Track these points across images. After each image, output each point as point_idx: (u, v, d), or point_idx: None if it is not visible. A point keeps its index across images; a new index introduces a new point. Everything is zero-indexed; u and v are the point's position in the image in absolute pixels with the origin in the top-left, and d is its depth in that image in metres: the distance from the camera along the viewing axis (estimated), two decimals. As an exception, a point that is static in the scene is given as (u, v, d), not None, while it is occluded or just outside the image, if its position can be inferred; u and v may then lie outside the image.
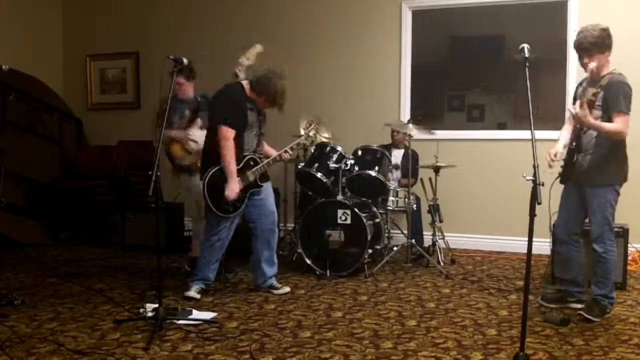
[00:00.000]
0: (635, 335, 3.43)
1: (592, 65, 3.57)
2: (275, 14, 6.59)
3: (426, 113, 6.32)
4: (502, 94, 6.35)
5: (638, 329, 3.55)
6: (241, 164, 4.09)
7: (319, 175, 4.94)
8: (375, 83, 6.27)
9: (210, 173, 4.04)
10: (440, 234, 5.43)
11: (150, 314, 3.58)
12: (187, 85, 4.81)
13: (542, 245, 4.77)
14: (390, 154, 5.44)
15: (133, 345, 3.21)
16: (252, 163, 4.15)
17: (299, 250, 4.99)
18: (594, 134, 3.64)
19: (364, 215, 4.80)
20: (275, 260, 4.39)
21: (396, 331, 3.49)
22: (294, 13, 6.53)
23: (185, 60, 3.78)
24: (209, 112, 4.23)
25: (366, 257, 4.78)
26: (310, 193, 5.24)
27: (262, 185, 4.22)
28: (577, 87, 3.93)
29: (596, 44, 3.57)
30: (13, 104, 6.27)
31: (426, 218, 5.50)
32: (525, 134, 5.25)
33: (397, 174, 5.57)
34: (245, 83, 4.17)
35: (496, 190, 5.89)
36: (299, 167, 5.11)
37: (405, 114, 6.12)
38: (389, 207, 5.17)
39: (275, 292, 4.28)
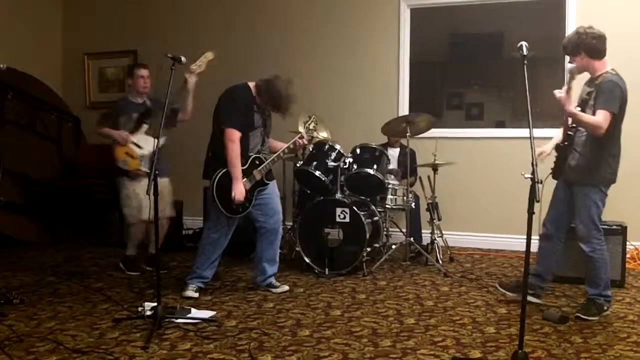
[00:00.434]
0: (633, 332, 3.44)
1: (570, 65, 3.62)
2: (274, 13, 6.58)
3: (425, 111, 6.30)
4: (501, 92, 6.34)
5: (636, 326, 3.55)
6: (247, 164, 4.11)
7: (317, 173, 4.93)
8: (374, 81, 6.27)
9: (220, 174, 4.05)
10: (438, 232, 5.44)
11: (149, 313, 3.58)
12: (148, 80, 4.87)
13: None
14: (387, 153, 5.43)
15: (132, 344, 3.21)
16: (257, 162, 4.17)
17: (297, 249, 5.00)
18: (585, 133, 3.66)
19: (363, 213, 4.80)
20: (277, 259, 4.40)
21: (395, 329, 3.49)
22: (292, 12, 6.53)
23: (183, 59, 3.78)
24: (215, 112, 4.22)
25: (365, 255, 4.78)
26: (308, 191, 5.24)
27: (268, 183, 4.23)
28: (583, 86, 3.94)
29: (569, 46, 3.68)
30: (11, 103, 6.26)
31: (425, 216, 5.51)
32: (523, 132, 5.24)
33: (394, 179, 5.55)
34: (252, 85, 4.18)
35: (495, 188, 5.89)
36: (298, 165, 5.11)
37: (404, 112, 6.11)
38: (387, 206, 5.18)
39: (274, 290, 4.28)
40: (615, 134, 3.68)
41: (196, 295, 4.15)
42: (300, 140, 4.34)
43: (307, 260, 4.87)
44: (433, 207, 5.32)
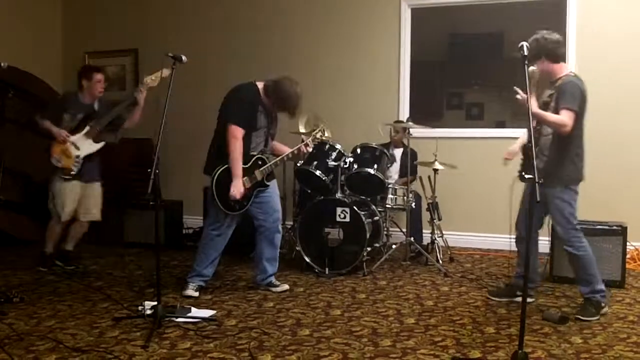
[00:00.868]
0: (633, 333, 3.44)
1: (532, 69, 3.63)
2: (274, 12, 6.58)
3: (425, 111, 6.31)
4: (501, 92, 6.33)
5: (636, 327, 3.55)
6: (249, 163, 4.12)
7: (318, 173, 4.93)
8: (374, 81, 6.27)
9: (220, 171, 4.07)
10: (439, 232, 5.44)
11: (149, 312, 3.58)
12: (104, 84, 4.95)
13: (541, 244, 4.76)
14: (389, 153, 5.43)
15: (132, 343, 3.21)
16: (259, 162, 4.17)
17: (297, 248, 5.00)
18: (549, 135, 3.69)
19: (363, 213, 4.80)
20: (277, 259, 4.40)
21: (395, 329, 3.49)
22: (292, 12, 6.52)
23: (184, 58, 3.78)
24: (220, 109, 4.23)
25: (365, 255, 4.78)
26: (309, 191, 5.24)
27: (268, 185, 4.24)
28: (544, 90, 3.97)
29: (529, 53, 3.65)
30: (12, 102, 6.25)
31: (425, 216, 5.51)
32: (523, 132, 5.25)
33: (394, 170, 5.56)
34: (260, 85, 4.19)
35: (495, 189, 5.88)
36: (298, 165, 5.11)
37: (404, 112, 6.12)
38: (387, 205, 5.18)
39: (274, 289, 4.28)
40: (578, 134, 3.74)
41: (196, 294, 4.15)
42: (304, 148, 4.33)
43: (307, 259, 4.87)
44: (433, 207, 5.32)
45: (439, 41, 6.51)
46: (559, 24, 5.66)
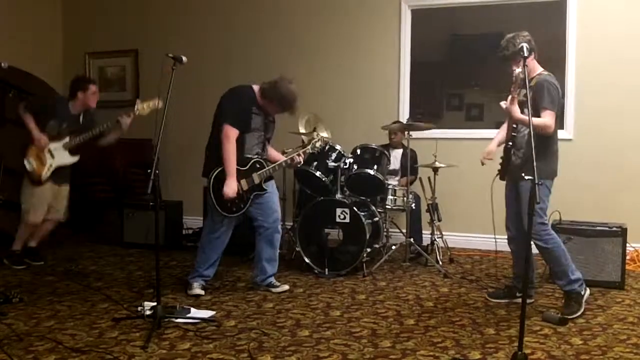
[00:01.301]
0: (633, 334, 3.44)
1: (517, 71, 3.62)
2: (274, 13, 6.58)
3: (425, 112, 6.30)
4: (501, 93, 6.32)
5: (636, 328, 3.55)
6: (247, 166, 4.13)
7: (317, 173, 4.94)
8: (374, 82, 6.27)
9: (216, 173, 4.08)
10: (438, 232, 5.44)
11: (148, 312, 3.58)
12: (97, 96, 4.98)
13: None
14: (389, 154, 5.44)
15: (131, 344, 3.21)
16: (258, 166, 4.18)
17: (297, 249, 5.00)
18: (526, 132, 3.69)
19: (363, 214, 4.80)
20: (277, 259, 4.40)
21: (394, 330, 3.49)
22: (293, 12, 6.53)
23: (184, 59, 3.78)
24: (216, 111, 4.23)
25: (365, 255, 4.78)
26: (309, 191, 5.24)
27: (266, 190, 4.24)
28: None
29: (509, 53, 3.72)
30: (12, 102, 6.25)
31: (425, 217, 5.51)
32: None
33: (395, 180, 5.56)
34: (256, 88, 4.19)
35: (494, 190, 5.87)
36: (298, 165, 5.10)
37: (404, 113, 6.12)
38: (387, 206, 5.18)
39: (273, 290, 4.28)
40: (555, 131, 3.78)
41: (202, 292, 4.18)
42: (297, 158, 4.36)
43: (307, 260, 4.87)
44: (433, 208, 5.32)
45: (439, 42, 6.51)
46: (559, 25, 5.66)
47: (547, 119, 3.63)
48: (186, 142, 6.39)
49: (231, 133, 4.03)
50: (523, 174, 3.03)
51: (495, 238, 4.23)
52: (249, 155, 4.17)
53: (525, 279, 2.95)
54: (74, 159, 4.95)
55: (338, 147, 5.08)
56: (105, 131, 4.83)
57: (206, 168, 4.20)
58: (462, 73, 6.41)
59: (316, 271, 4.82)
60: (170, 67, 3.73)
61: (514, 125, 3.76)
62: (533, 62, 3.77)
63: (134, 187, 6.36)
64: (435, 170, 5.31)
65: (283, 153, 4.64)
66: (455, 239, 5.91)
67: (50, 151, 4.80)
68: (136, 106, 4.55)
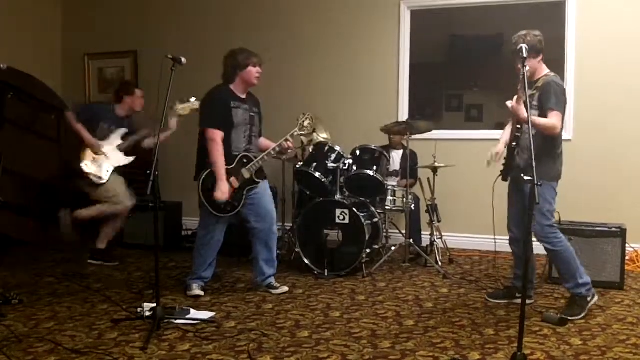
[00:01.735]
0: (633, 335, 3.44)
1: (526, 69, 3.61)
2: (274, 14, 6.58)
3: (424, 113, 6.31)
4: (501, 94, 6.33)
5: (636, 328, 3.55)
6: (234, 163, 4.11)
7: (317, 174, 4.94)
8: (374, 83, 6.27)
9: (205, 174, 4.08)
10: (438, 233, 5.44)
11: (148, 314, 3.57)
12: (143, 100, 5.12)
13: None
14: (389, 155, 5.44)
15: (131, 345, 3.21)
16: (245, 160, 4.16)
17: (297, 250, 4.99)
18: (531, 133, 3.67)
19: (362, 214, 4.80)
20: (275, 260, 4.39)
21: (394, 331, 3.49)
22: (292, 12, 6.53)
23: (184, 60, 3.78)
24: (199, 116, 4.26)
25: (364, 256, 4.78)
26: (308, 192, 5.24)
27: (258, 182, 4.22)
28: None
29: (530, 48, 3.63)
30: (12, 103, 6.25)
31: (424, 218, 5.51)
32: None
33: (395, 180, 5.57)
34: (231, 85, 4.20)
35: (494, 190, 5.87)
36: (298, 166, 5.11)
37: (404, 114, 6.12)
38: (387, 207, 5.18)
39: (273, 291, 4.28)
40: (560, 133, 3.76)
41: (202, 293, 4.18)
42: (285, 143, 4.26)
43: (306, 261, 4.87)
44: (433, 209, 5.32)
45: (438, 43, 6.51)
46: (559, 25, 5.66)
47: (554, 119, 3.60)
48: (186, 143, 6.36)
49: (214, 135, 4.02)
50: (522, 174, 3.03)
51: (494, 239, 4.23)
52: (236, 153, 4.15)
53: (525, 280, 2.94)
54: (130, 159, 5.12)
55: (337, 148, 5.08)
56: (152, 133, 4.91)
57: (196, 172, 4.20)
58: (461, 74, 6.42)
59: (316, 272, 4.82)
60: (169, 69, 3.74)
61: (519, 126, 3.75)
62: (539, 64, 3.75)
63: (134, 188, 6.34)
64: (435, 170, 5.31)
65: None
66: (455, 239, 5.92)
67: (105, 154, 4.92)
68: (176, 106, 4.56)
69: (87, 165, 4.92)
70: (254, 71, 4.20)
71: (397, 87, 6.20)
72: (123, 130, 5.09)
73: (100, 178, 4.94)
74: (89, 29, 7.33)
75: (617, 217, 4.84)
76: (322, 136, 5.37)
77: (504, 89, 6.30)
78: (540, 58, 3.73)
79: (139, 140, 5.12)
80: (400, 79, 6.18)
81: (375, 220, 5.07)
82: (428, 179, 5.40)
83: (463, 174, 5.80)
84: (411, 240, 5.16)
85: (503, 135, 4.05)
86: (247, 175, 4.15)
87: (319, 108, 5.72)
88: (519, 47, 3.20)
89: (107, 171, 4.98)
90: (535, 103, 3.68)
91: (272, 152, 4.26)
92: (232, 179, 4.08)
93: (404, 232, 5.30)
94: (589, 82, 5.60)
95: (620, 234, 4.46)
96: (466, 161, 5.85)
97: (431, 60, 6.49)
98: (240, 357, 3.06)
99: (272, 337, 3.36)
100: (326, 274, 4.77)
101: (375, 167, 4.99)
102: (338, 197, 4.89)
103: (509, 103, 3.66)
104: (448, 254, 5.50)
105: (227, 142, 4.08)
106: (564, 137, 3.91)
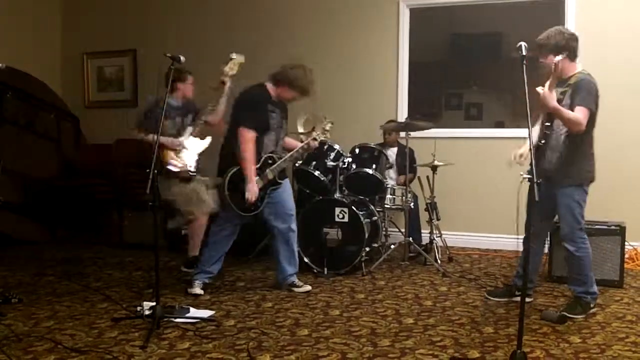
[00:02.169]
0: (632, 333, 3.44)
1: (557, 59, 3.56)
2: (273, 13, 6.58)
3: (424, 111, 6.31)
4: (500, 93, 6.34)
5: (635, 326, 3.55)
6: (259, 163, 4.13)
7: (316, 173, 4.94)
8: (373, 81, 6.27)
9: (231, 172, 4.07)
10: (437, 232, 5.44)
11: (147, 312, 3.58)
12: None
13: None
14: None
15: (130, 344, 3.21)
16: (270, 162, 4.18)
17: (297, 248, 4.98)
18: (563, 132, 3.66)
19: (362, 213, 4.80)
20: (296, 258, 4.40)
21: (393, 329, 3.49)
22: (292, 12, 6.53)
23: (182, 58, 3.78)
24: (232, 112, 4.24)
25: (364, 255, 4.78)
26: (307, 191, 5.24)
27: (281, 183, 4.25)
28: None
29: (552, 44, 3.61)
30: (10, 102, 6.26)
31: (424, 216, 5.51)
32: (523, 132, 5.22)
33: (393, 172, 5.59)
34: (269, 85, 4.19)
35: (494, 189, 5.89)
36: (297, 165, 5.11)
37: (403, 112, 6.12)
38: (386, 205, 5.18)
39: (296, 290, 4.28)
40: (591, 133, 3.70)
41: (201, 292, 4.18)
42: (313, 142, 4.35)
43: (306, 259, 4.87)
44: (432, 207, 5.33)
45: (437, 41, 6.51)
46: (558, 24, 5.62)
47: (579, 114, 3.53)
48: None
49: (249, 136, 4.01)
50: (522, 173, 3.03)
51: (517, 238, 4.16)
52: (263, 154, 4.16)
53: (525, 279, 2.94)
54: (207, 141, 4.83)
55: (337, 146, 5.09)
56: (214, 108, 4.70)
57: (220, 168, 4.19)
58: (461, 72, 6.42)
59: (315, 270, 4.82)
60: (168, 67, 3.72)
61: (547, 124, 3.69)
62: (566, 62, 3.64)
63: (133, 187, 6.35)
64: (434, 169, 5.31)
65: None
66: (454, 238, 5.92)
67: (185, 147, 4.74)
68: (225, 69, 4.41)
69: (174, 165, 4.72)
70: (295, 96, 4.23)
71: (397, 85, 6.20)
72: (185, 117, 4.88)
73: (188, 172, 4.69)
74: (88, 28, 7.33)
75: (616, 215, 4.84)
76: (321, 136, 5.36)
77: (503, 88, 6.33)
78: (565, 56, 3.60)
79: (206, 120, 4.79)
80: (399, 78, 6.18)
81: (375, 218, 5.07)
82: (427, 177, 5.40)
83: (462, 172, 5.80)
84: (410, 239, 5.16)
85: (530, 135, 3.96)
86: (270, 176, 4.17)
87: (318, 106, 5.69)
88: (518, 45, 3.19)
89: (192, 161, 4.75)
90: (568, 101, 3.61)
91: (295, 154, 4.32)
92: (257, 178, 4.09)
93: (403, 230, 5.30)
94: (588, 80, 5.58)
95: (619, 232, 4.46)
96: (466, 159, 5.85)
97: (430, 58, 6.49)
98: (240, 356, 3.06)
99: (271, 335, 3.37)
100: (325, 272, 4.77)
101: (374, 166, 4.99)
102: (337, 195, 4.89)
103: (539, 89, 3.56)
104: (447, 252, 5.50)
105: (258, 144, 4.09)
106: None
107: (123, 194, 6.30)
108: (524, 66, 3.07)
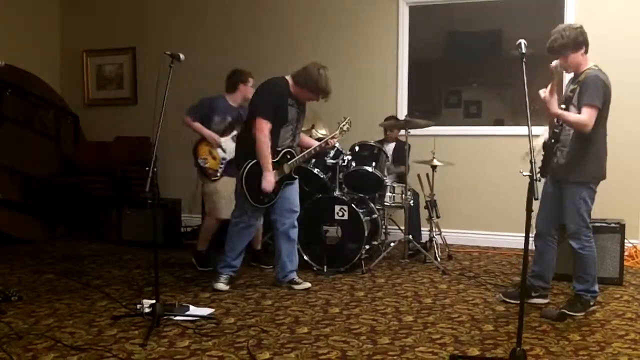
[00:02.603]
0: (631, 330, 3.44)
1: (554, 63, 3.57)
2: (273, 11, 6.57)
3: (423, 109, 6.29)
4: (500, 90, 6.32)
5: (634, 324, 3.56)
6: (278, 157, 4.15)
7: (316, 171, 4.94)
8: (372, 79, 6.26)
9: (249, 165, 4.10)
10: (437, 229, 5.44)
11: (147, 310, 3.58)
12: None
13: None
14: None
15: (130, 341, 3.21)
16: (288, 156, 4.22)
17: (296, 246, 4.98)
18: (572, 131, 3.64)
19: (361, 211, 4.80)
20: (297, 254, 4.42)
21: (393, 327, 3.49)
22: (291, 11, 6.51)
23: (182, 56, 3.77)
24: (250, 103, 4.29)
25: (363, 253, 4.78)
26: (307, 189, 5.23)
27: (296, 178, 4.29)
28: (567, 83, 3.93)
29: (567, 44, 3.58)
30: (10, 100, 6.26)
31: (423, 214, 5.51)
32: (522, 129, 5.25)
33: (391, 165, 5.58)
34: (289, 78, 4.20)
35: (493, 186, 5.89)
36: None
37: (403, 110, 6.12)
38: (386, 203, 5.18)
39: (295, 287, 4.29)
40: (601, 131, 3.64)
41: (227, 287, 4.21)
42: (331, 141, 4.40)
43: (305, 257, 4.87)
44: (431, 205, 5.33)
45: (437, 39, 6.50)
46: (557, 22, 5.63)
47: (584, 116, 3.49)
48: (184, 140, 6.36)
49: (265, 126, 4.03)
50: (521, 171, 3.02)
51: (525, 236, 4.13)
52: (279, 148, 4.18)
53: (523, 279, 2.93)
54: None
55: (336, 144, 5.07)
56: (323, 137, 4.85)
57: (237, 160, 4.23)
58: (460, 70, 6.40)
59: (315, 268, 4.82)
60: (168, 65, 3.71)
61: (557, 121, 3.67)
62: (583, 57, 3.63)
63: (133, 185, 6.36)
64: (434, 167, 5.30)
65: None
66: (454, 235, 5.92)
67: (221, 146, 4.80)
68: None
69: (204, 160, 4.79)
70: (313, 98, 4.26)
71: (396, 83, 6.19)
72: (235, 120, 4.88)
73: (216, 171, 4.79)
74: (87, 26, 7.32)
75: (616, 212, 4.84)
76: (320, 132, 5.37)
77: (503, 85, 6.32)
78: (582, 51, 3.62)
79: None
80: (399, 75, 6.18)
81: (374, 216, 5.07)
82: (427, 175, 5.40)
83: (462, 170, 5.80)
84: (410, 237, 5.16)
85: (543, 133, 3.88)
86: (287, 170, 4.21)
87: (318, 104, 5.68)
88: (517, 43, 3.17)
89: (221, 163, 4.81)
90: (575, 99, 3.59)
91: (312, 152, 4.35)
92: (274, 171, 4.12)
93: (403, 228, 5.29)
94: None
95: (619, 229, 4.47)
96: (465, 157, 5.85)
97: (430, 56, 6.48)
98: (240, 353, 3.06)
99: (271, 333, 3.37)
100: (325, 270, 4.77)
101: (374, 163, 4.99)
102: (337, 193, 4.89)
103: (541, 92, 3.57)
104: (447, 250, 5.50)
105: (274, 137, 4.10)
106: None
107: (122, 191, 6.30)
108: (524, 64, 3.07)
